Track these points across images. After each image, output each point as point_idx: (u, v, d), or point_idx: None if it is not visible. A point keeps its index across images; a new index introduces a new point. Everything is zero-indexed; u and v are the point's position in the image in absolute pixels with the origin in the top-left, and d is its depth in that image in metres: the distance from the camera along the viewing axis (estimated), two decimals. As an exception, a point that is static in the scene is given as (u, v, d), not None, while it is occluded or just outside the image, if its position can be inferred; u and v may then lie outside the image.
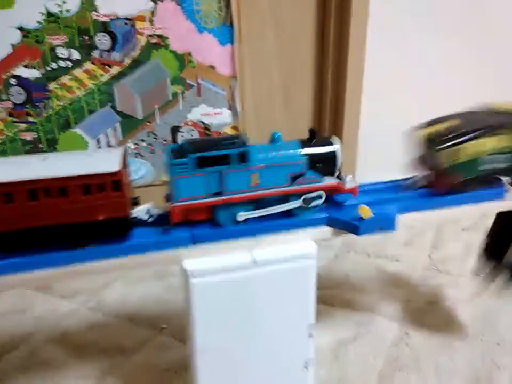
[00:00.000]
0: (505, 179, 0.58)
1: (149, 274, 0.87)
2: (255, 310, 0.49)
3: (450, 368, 0.64)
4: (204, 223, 0.50)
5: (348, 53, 1.05)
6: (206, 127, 1.04)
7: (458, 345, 0.68)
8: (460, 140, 0.54)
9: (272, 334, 0.51)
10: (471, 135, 0.54)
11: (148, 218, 0.50)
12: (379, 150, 1.10)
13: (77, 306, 0.80)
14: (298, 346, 0.53)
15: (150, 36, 0.93)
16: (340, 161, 0.53)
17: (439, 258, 0.92)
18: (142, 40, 0.93)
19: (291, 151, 0.51)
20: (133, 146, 1.00)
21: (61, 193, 0.44)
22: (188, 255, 0.48)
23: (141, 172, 1.03)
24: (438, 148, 0.54)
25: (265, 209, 0.50)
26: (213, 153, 0.47)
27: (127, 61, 0.94)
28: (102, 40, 0.91)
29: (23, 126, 0.92)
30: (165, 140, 1.02)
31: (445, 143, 0.54)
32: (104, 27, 0.90)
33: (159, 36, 0.94)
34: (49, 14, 0.86)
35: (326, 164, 0.52)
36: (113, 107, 0.96)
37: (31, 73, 0.89)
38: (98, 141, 0.98)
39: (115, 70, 0.94)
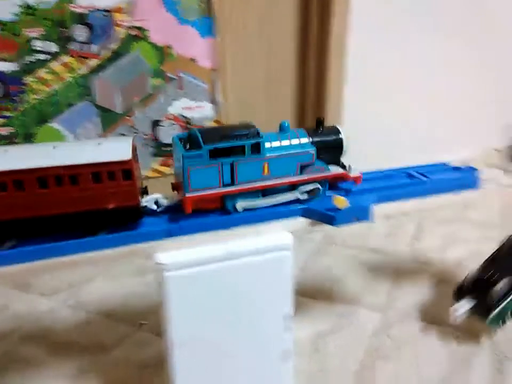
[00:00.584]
0: None
1: (130, 270, 0.86)
2: (231, 303, 0.49)
3: (430, 357, 0.64)
4: (212, 211, 0.51)
5: (330, 44, 1.05)
6: (188, 121, 1.03)
7: (439, 336, 0.68)
8: None
9: (249, 326, 0.51)
10: None
11: (157, 208, 0.51)
12: (363, 142, 1.10)
13: (56, 303, 0.78)
14: (276, 338, 0.52)
15: (130, 27, 0.92)
16: (346, 150, 0.54)
17: (420, 249, 0.93)
18: (122, 32, 0.92)
19: (302, 140, 0.51)
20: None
21: (72, 182, 0.45)
22: (164, 247, 0.47)
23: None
24: None
25: (266, 200, 0.51)
26: (228, 144, 0.47)
27: (106, 54, 0.92)
28: (80, 32, 0.89)
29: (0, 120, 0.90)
30: (145, 134, 1.00)
31: None
32: (82, 19, 0.88)
33: (139, 28, 0.92)
34: (26, 6, 0.84)
35: (332, 153, 0.53)
36: (92, 101, 0.95)
37: (7, 67, 0.87)
38: (76, 136, 0.96)
39: (93, 62, 0.92)
